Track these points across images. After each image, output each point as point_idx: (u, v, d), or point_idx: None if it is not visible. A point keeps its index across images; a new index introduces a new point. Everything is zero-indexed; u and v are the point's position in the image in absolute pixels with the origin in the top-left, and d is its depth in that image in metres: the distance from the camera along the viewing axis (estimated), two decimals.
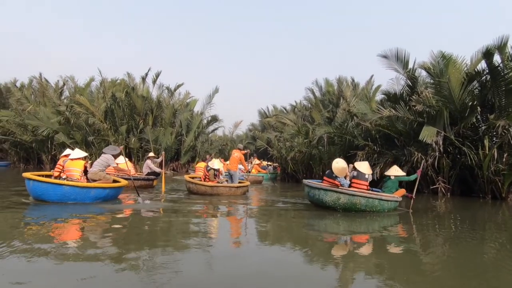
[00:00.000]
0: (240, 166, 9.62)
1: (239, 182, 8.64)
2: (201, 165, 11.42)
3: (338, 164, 6.04)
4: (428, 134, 7.94)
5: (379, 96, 12.61)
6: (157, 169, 9.31)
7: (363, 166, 6.20)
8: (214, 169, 8.21)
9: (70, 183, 5.65)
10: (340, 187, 5.97)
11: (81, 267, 2.58)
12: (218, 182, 8.15)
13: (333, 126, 13.08)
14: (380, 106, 9.85)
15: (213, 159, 9.87)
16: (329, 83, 17.66)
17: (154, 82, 21.61)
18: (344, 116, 13.35)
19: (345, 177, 6.11)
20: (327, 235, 4.36)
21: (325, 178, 6.34)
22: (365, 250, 3.68)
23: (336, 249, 3.73)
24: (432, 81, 9.15)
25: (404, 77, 10.04)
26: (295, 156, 13.80)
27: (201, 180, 8.22)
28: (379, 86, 14.24)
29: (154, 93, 21.81)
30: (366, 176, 6.10)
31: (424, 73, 9.95)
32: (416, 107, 8.88)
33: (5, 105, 23.60)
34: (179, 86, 22.53)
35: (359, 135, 11.30)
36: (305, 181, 6.49)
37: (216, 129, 24.48)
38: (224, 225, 4.89)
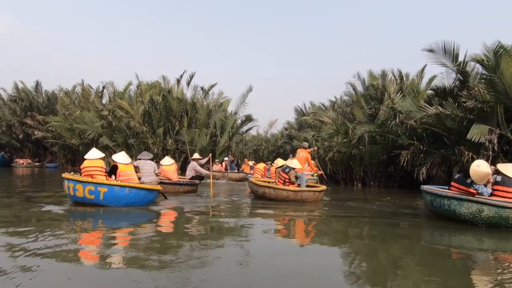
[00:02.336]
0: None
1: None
2: (260, 166, 11.37)
3: (480, 168, 5.10)
4: (478, 133, 8.14)
5: (430, 91, 12.48)
6: (205, 171, 9.10)
7: None
8: (294, 169, 7.59)
9: (158, 187, 6.34)
10: (477, 196, 5.13)
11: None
12: (298, 185, 7.64)
13: (376, 124, 13.38)
14: (425, 104, 10.10)
15: (278, 159, 9.62)
16: (372, 75, 17.12)
17: (188, 83, 23.62)
18: (388, 113, 13.58)
19: (485, 184, 5.20)
20: (469, 258, 3.61)
21: (453, 184, 5.60)
22: None
23: (480, 275, 3.12)
24: (486, 74, 9.21)
25: (453, 71, 10.16)
26: (333, 157, 14.37)
27: (276, 184, 7.73)
28: (433, 77, 13.42)
29: (189, 94, 23.86)
30: None
31: (477, 66, 9.97)
32: (467, 103, 9.05)
33: (53, 111, 27.56)
34: (212, 86, 24.24)
35: (403, 133, 11.57)
36: (426, 187, 5.82)
37: (250, 128, 25.78)
38: (325, 247, 4.03)
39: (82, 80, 26.15)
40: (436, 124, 10.21)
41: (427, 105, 9.94)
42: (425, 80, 14.89)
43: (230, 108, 24.82)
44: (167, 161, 8.90)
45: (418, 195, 10.12)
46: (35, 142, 27.34)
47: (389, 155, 12.67)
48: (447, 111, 9.32)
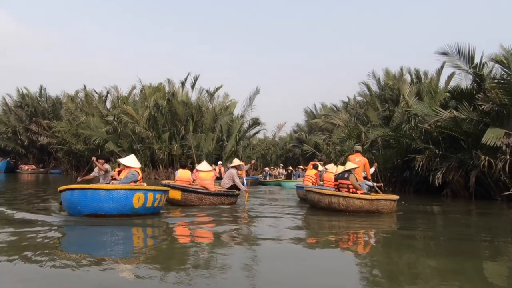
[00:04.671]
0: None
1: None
2: (310, 173, 10.08)
3: None
4: (494, 136, 8.32)
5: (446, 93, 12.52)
6: (243, 187, 8.02)
7: None
8: (352, 172, 6.80)
9: None
10: None
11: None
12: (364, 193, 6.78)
13: (390, 127, 13.56)
14: (439, 108, 10.30)
15: (326, 164, 8.71)
16: (389, 74, 16.86)
17: (193, 86, 24.31)
18: (403, 115, 13.75)
19: None
20: None
21: None
22: None
23: None
24: (503, 78, 9.39)
25: (470, 74, 10.34)
26: (345, 161, 14.59)
27: (334, 191, 6.92)
28: (452, 74, 13.32)
29: (193, 97, 24.48)
30: None
31: (496, 67, 10.14)
32: (483, 107, 9.23)
33: (58, 116, 28.57)
34: (218, 88, 24.84)
35: (418, 137, 11.75)
36: None
37: (257, 132, 26.24)
38: None
39: (84, 86, 27.12)
40: (452, 127, 10.37)
41: (441, 109, 10.13)
42: (444, 78, 14.79)
43: (237, 111, 25.33)
44: (205, 166, 7.96)
45: (437, 199, 10.24)
46: (40, 148, 28.36)
47: (403, 160, 12.85)
48: (462, 115, 9.50)
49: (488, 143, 8.42)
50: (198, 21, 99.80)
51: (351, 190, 6.68)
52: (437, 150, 11.01)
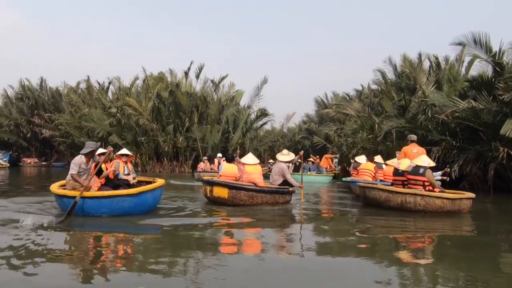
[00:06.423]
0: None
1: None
2: (368, 166, 9.59)
3: None
4: None
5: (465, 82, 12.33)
6: (295, 183, 7.15)
7: None
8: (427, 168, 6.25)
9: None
10: None
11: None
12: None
13: (406, 118, 13.56)
14: (456, 98, 10.32)
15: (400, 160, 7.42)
16: (407, 60, 16.49)
17: (197, 76, 24.41)
18: (419, 105, 13.70)
19: None
20: None
21: None
22: None
23: None
24: None
25: (489, 62, 10.32)
26: (358, 154, 14.72)
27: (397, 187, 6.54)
28: (473, 59, 12.68)
29: (198, 87, 24.62)
30: None
31: None
32: (503, 96, 9.25)
33: (58, 108, 29.14)
34: (223, 78, 24.89)
35: (435, 129, 11.80)
36: None
37: (265, 123, 26.36)
38: None
39: (88, 77, 27.45)
40: (470, 118, 10.40)
41: (458, 99, 10.17)
42: (466, 63, 14.43)
43: (243, 102, 25.44)
44: (252, 159, 7.17)
45: None
46: (42, 141, 29.07)
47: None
48: (481, 105, 9.54)
49: (507, 135, 8.48)
50: (202, 9, 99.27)
51: (427, 188, 6.23)
52: (454, 142, 11.06)
